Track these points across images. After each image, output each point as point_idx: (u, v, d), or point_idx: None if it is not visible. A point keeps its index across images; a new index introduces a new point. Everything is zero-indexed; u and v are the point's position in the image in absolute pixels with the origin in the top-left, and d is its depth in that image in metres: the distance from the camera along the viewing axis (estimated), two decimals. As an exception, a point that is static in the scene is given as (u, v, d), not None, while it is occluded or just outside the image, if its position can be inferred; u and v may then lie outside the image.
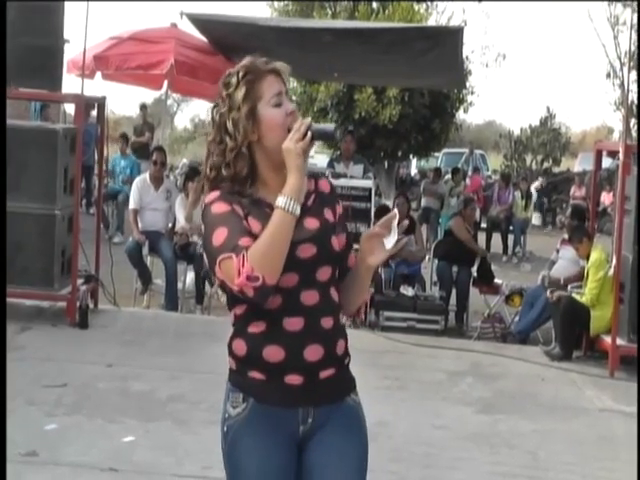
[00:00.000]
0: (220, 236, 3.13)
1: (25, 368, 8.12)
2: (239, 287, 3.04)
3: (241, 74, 3.27)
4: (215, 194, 3.26)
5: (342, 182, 11.64)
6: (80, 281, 10.02)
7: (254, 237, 3.11)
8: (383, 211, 13.06)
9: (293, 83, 28.75)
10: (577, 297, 10.36)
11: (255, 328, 3.25)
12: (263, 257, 3.04)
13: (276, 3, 28.24)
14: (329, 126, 3.46)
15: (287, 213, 3.09)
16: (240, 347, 3.29)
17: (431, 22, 26.41)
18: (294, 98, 28.95)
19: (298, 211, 3.12)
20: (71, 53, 11.15)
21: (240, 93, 3.24)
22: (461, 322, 12.50)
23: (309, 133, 3.18)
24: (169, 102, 23.45)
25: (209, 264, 3.22)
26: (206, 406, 7.50)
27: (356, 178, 12.37)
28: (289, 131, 3.20)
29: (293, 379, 3.23)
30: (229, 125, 3.26)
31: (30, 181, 9.63)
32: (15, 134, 9.98)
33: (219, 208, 3.20)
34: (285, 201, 3.10)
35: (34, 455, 6.23)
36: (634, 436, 7.07)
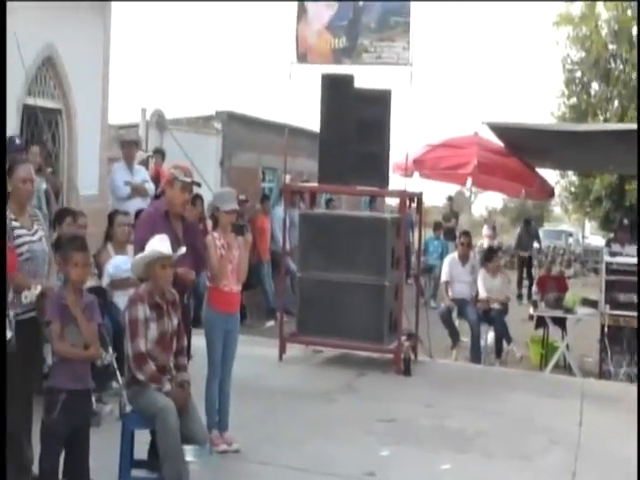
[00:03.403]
0: None
1: (363, 405, 8.34)
2: None
3: None
4: None
5: (618, 259, 11.45)
6: (403, 337, 10.16)
7: None
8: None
9: (572, 176, 28.19)
10: None
11: None
12: None
13: (556, 112, 27.92)
14: None
15: None
16: None
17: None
18: (572, 190, 28.35)
19: None
20: (395, 157, 11.46)
21: None
22: None
23: None
24: (467, 194, 23.74)
25: None
26: (507, 442, 7.43)
27: (630, 256, 11.95)
28: None
29: None
30: None
31: (365, 258, 9.87)
32: (352, 222, 10.41)
33: None
34: None
35: (372, 475, 6.38)
36: None
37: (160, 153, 13.66)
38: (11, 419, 5.32)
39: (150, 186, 11.07)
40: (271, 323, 13.45)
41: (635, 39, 25.88)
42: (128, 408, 5.65)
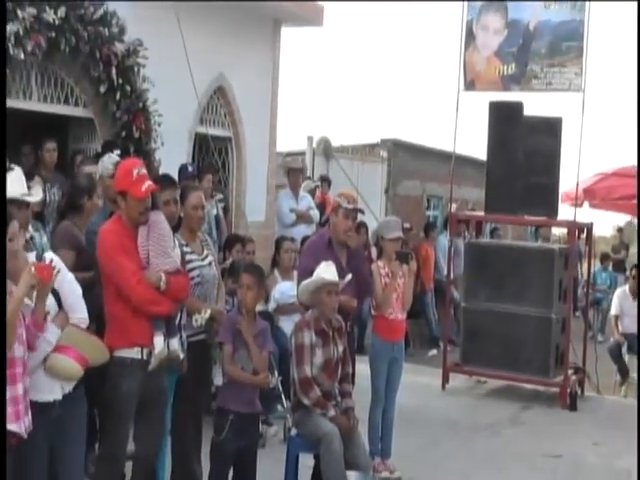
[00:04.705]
0: None
1: (528, 440, 8.17)
2: None
3: None
4: None
5: None
6: (570, 372, 9.90)
7: None
8: None
9: None
10: None
11: None
12: None
13: None
14: None
15: None
16: None
17: None
18: None
19: None
20: (564, 187, 11.23)
21: None
22: None
23: None
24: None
25: None
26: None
27: None
28: None
29: None
30: None
31: (531, 290, 9.71)
32: (519, 252, 10.26)
33: None
34: None
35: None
36: None
37: (326, 181, 13.87)
38: (182, 437, 5.52)
39: (315, 213, 11.25)
40: (434, 352, 13.37)
41: None
42: (293, 432, 5.76)
